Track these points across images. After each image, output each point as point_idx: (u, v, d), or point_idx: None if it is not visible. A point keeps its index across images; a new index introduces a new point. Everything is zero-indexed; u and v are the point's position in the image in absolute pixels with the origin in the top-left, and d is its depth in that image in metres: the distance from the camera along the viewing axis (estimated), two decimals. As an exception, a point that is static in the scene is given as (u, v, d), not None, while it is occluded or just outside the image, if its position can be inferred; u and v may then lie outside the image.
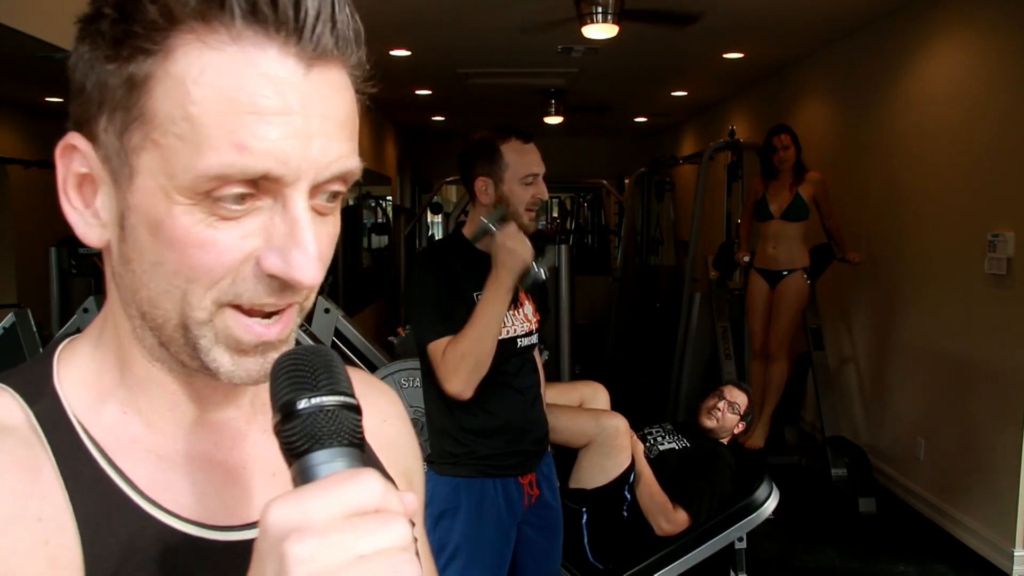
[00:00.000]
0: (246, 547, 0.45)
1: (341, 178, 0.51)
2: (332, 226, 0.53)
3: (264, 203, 0.49)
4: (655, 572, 2.53)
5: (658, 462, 2.82)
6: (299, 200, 0.48)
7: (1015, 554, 3.37)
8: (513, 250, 1.80)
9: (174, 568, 0.52)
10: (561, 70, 6.11)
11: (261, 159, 0.46)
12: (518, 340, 2.00)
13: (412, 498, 0.45)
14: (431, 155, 10.82)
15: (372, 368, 3.39)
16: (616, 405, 2.92)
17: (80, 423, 0.53)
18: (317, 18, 0.47)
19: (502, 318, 1.85)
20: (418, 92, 7.14)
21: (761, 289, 4.53)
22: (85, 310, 2.88)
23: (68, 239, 3.67)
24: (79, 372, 0.55)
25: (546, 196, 2.02)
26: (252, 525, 0.55)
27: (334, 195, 0.52)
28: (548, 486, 2.07)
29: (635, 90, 7.30)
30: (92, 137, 0.50)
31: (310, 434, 0.44)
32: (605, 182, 8.54)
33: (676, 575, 2.56)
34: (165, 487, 0.54)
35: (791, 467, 4.69)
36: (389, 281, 8.67)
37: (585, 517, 2.65)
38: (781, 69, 5.99)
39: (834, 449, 4.41)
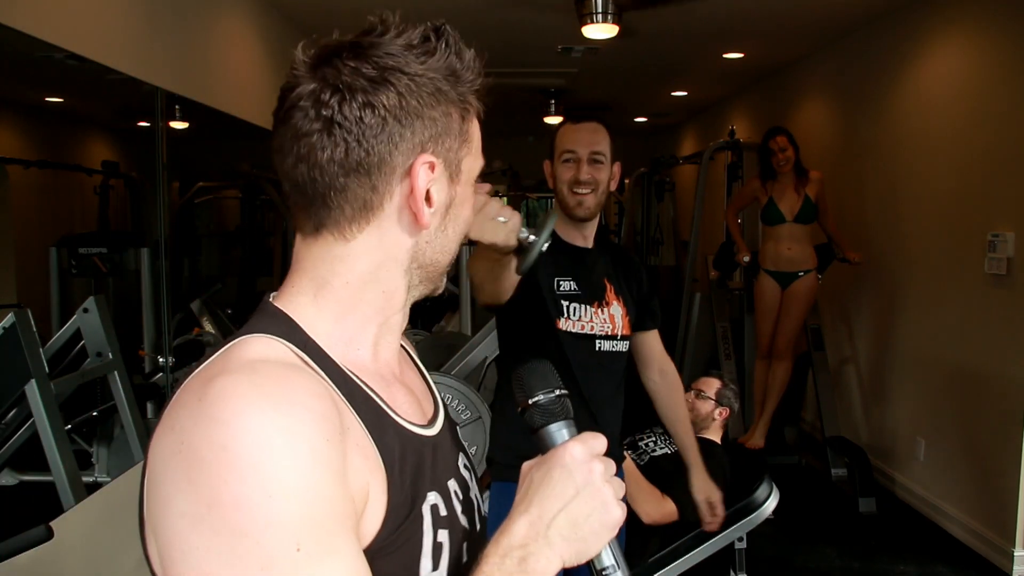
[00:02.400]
0: (440, 437, 0.81)
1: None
2: None
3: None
4: (655, 572, 2.52)
5: (650, 468, 2.80)
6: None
7: (1015, 554, 3.36)
8: (486, 215, 1.26)
9: (421, 453, 0.76)
10: (561, 70, 6.11)
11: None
12: (597, 341, 1.89)
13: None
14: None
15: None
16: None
17: (337, 360, 0.72)
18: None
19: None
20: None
21: (772, 290, 4.54)
22: (85, 310, 2.88)
23: (68, 239, 3.67)
24: (317, 326, 0.73)
25: (586, 177, 1.88)
26: (430, 424, 0.81)
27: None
28: None
29: (635, 90, 7.30)
30: (435, 153, 0.74)
31: (552, 412, 0.76)
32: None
33: (676, 575, 2.56)
34: (392, 400, 0.76)
35: (791, 467, 4.69)
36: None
37: None
38: (781, 69, 5.99)
39: (834, 449, 4.41)
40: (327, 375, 0.69)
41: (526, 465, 0.76)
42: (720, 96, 7.47)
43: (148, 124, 3.27)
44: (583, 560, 0.71)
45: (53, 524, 1.83)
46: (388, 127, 0.70)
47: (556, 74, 6.25)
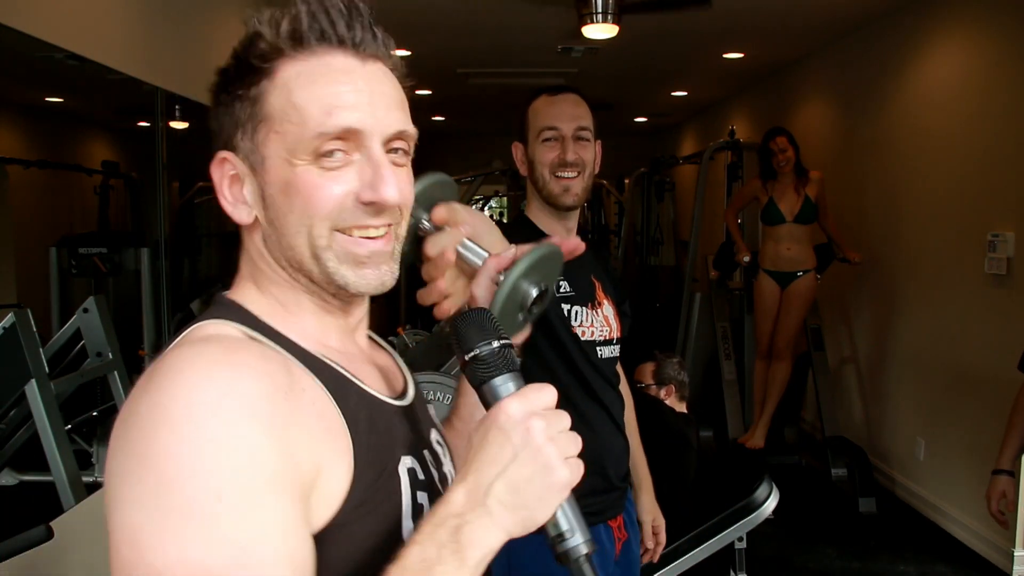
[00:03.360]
0: (411, 409, 0.81)
1: (400, 135, 0.74)
2: (407, 173, 0.77)
3: (354, 158, 0.72)
4: (655, 572, 2.52)
5: None
6: (376, 147, 0.72)
7: (1015, 554, 3.36)
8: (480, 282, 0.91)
9: (391, 420, 0.77)
10: (561, 70, 6.11)
11: (345, 118, 0.70)
12: (598, 347, 1.64)
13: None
14: (431, 155, 10.82)
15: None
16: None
17: (294, 339, 0.73)
18: (361, 32, 0.73)
19: None
20: (418, 92, 7.13)
21: (772, 290, 4.54)
22: (85, 310, 2.88)
23: (68, 239, 3.67)
24: (265, 309, 0.75)
25: (573, 157, 1.58)
26: (400, 397, 0.82)
27: (402, 152, 0.75)
28: (631, 524, 1.76)
29: (635, 90, 7.30)
30: (234, 149, 0.74)
31: (493, 365, 0.69)
32: (605, 182, 8.53)
33: (676, 575, 2.56)
34: (357, 372, 0.76)
35: (791, 467, 4.69)
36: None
37: None
38: (781, 69, 5.99)
39: (834, 449, 4.41)
40: (283, 348, 0.71)
41: (471, 428, 0.70)
42: (720, 96, 7.47)
43: (148, 124, 3.27)
44: (532, 528, 0.65)
45: (53, 524, 1.84)
46: (214, 133, 0.77)
47: (556, 74, 6.24)
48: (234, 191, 0.75)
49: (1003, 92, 3.48)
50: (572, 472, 0.65)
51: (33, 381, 2.38)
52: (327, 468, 0.66)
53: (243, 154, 0.74)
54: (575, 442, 0.67)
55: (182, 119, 3.58)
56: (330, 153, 0.71)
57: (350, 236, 0.73)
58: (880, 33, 4.52)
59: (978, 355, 3.64)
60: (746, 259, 4.69)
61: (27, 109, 3.68)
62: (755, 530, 2.70)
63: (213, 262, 5.15)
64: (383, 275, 0.75)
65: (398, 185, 0.73)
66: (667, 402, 3.02)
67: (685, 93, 7.37)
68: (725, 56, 5.63)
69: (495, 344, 0.70)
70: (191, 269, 4.77)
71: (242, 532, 0.58)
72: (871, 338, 4.69)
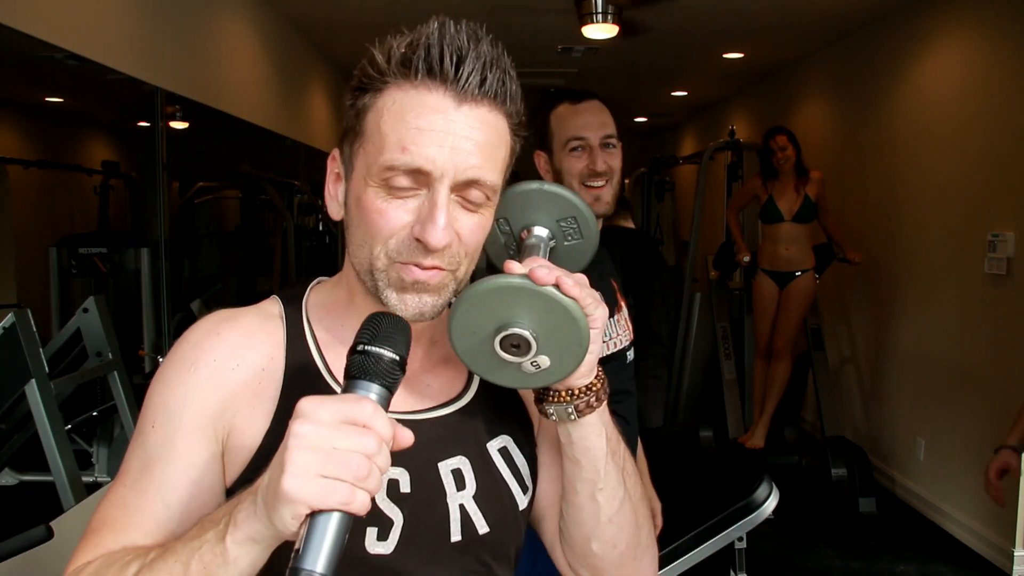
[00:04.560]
0: (425, 424, 0.80)
1: (475, 182, 0.74)
2: (480, 219, 0.77)
3: (421, 193, 0.74)
4: (655, 572, 2.52)
5: None
6: (442, 190, 0.73)
7: (1015, 554, 3.36)
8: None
9: None
10: (561, 70, 6.11)
11: (415, 158, 0.72)
12: (627, 354, 1.63)
13: (408, 433, 0.65)
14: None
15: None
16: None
17: (310, 324, 0.83)
18: (470, 73, 0.72)
19: None
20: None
21: (770, 290, 4.54)
22: (85, 310, 2.88)
23: (68, 239, 3.67)
24: (319, 297, 0.86)
25: (602, 167, 1.57)
26: (420, 412, 0.82)
27: (479, 195, 0.75)
28: None
29: (635, 90, 7.30)
30: (341, 150, 0.80)
31: (363, 367, 0.66)
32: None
33: (676, 575, 2.56)
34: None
35: (791, 467, 4.68)
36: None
37: None
38: (781, 69, 5.99)
39: (834, 449, 4.41)
40: (288, 331, 0.82)
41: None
42: (720, 96, 7.47)
43: (148, 124, 3.27)
44: (284, 530, 0.61)
45: (53, 524, 1.83)
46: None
47: (556, 74, 6.25)
48: (334, 187, 0.81)
49: (1003, 92, 3.48)
50: (307, 488, 0.59)
51: (33, 381, 2.38)
52: (236, 439, 0.77)
53: (344, 157, 0.79)
54: (356, 467, 0.60)
55: (182, 119, 3.58)
56: (400, 183, 0.73)
57: (404, 265, 0.75)
58: (880, 33, 4.52)
59: (978, 355, 3.64)
60: (746, 259, 4.69)
61: (27, 109, 3.68)
62: (755, 530, 2.70)
63: (213, 262, 5.15)
64: (423, 305, 0.76)
65: (449, 229, 0.73)
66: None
67: (685, 93, 7.37)
68: (725, 56, 5.63)
69: (390, 355, 0.67)
70: (191, 269, 4.77)
71: (154, 449, 0.77)
72: (871, 338, 4.69)
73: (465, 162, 0.73)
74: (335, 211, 0.81)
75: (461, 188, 0.74)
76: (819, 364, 4.71)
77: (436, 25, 0.74)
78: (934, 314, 4.01)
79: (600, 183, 1.58)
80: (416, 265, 0.74)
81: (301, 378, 0.79)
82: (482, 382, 0.86)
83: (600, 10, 3.93)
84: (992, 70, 3.58)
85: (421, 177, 0.72)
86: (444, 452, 0.82)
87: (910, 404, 4.25)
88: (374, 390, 0.65)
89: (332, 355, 0.82)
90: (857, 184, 4.81)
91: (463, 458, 0.82)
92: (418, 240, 0.73)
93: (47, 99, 3.69)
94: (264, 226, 5.64)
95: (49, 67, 2.77)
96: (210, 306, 4.22)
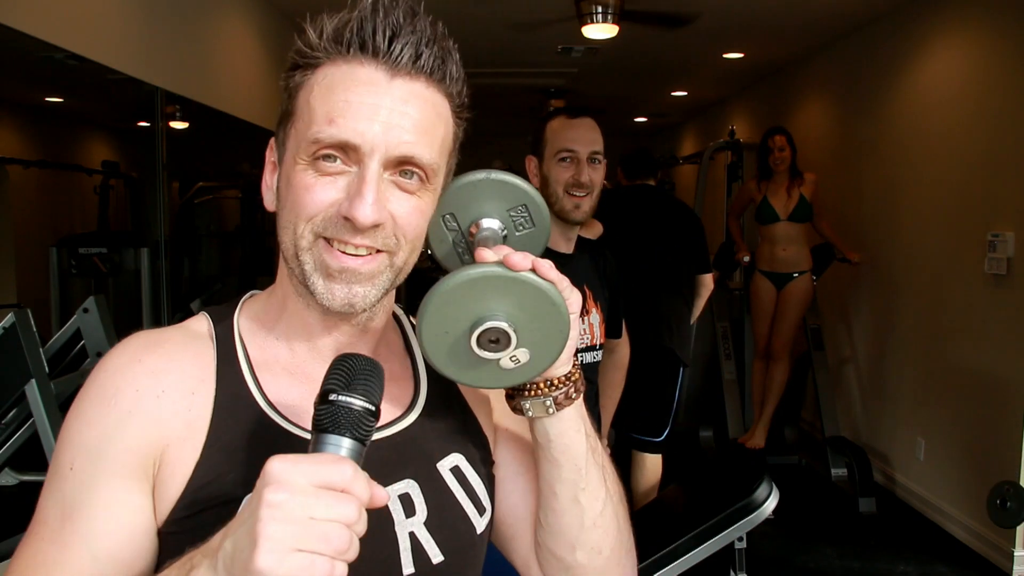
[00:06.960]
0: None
1: (409, 159, 0.70)
2: (417, 202, 0.73)
3: (351, 170, 0.70)
4: (655, 572, 2.52)
5: None
6: (373, 166, 0.69)
7: (1015, 554, 3.36)
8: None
9: (265, 446, 0.69)
10: (561, 70, 6.11)
11: (342, 131, 0.68)
12: (578, 354, 1.68)
13: (383, 492, 0.59)
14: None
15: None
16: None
17: (242, 342, 0.77)
18: (403, 46, 0.69)
19: None
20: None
21: (768, 291, 4.54)
22: (85, 310, 2.87)
23: (68, 239, 3.67)
24: (252, 311, 0.80)
25: (586, 179, 1.74)
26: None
27: (413, 176, 0.71)
28: None
29: (635, 90, 7.30)
30: (277, 137, 0.76)
31: (334, 419, 0.60)
32: (606, 182, 8.52)
33: (676, 575, 2.56)
34: (284, 393, 0.75)
35: (791, 467, 4.69)
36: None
37: None
38: (781, 69, 5.99)
39: (834, 449, 4.41)
40: (218, 351, 0.75)
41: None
42: (720, 96, 7.47)
43: (148, 124, 3.27)
44: None
45: (53, 524, 1.83)
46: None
47: (556, 74, 6.25)
48: (271, 177, 0.77)
49: (1003, 92, 3.48)
50: (284, 566, 0.53)
51: (33, 381, 2.37)
52: (166, 469, 0.70)
53: (279, 142, 0.76)
54: (336, 540, 0.54)
55: (182, 119, 3.58)
56: (329, 158, 0.69)
57: (329, 246, 0.71)
58: (880, 33, 4.52)
59: (978, 354, 3.64)
60: (746, 259, 4.69)
61: (27, 109, 3.68)
62: (755, 530, 2.70)
63: (213, 262, 5.15)
64: (352, 296, 0.71)
65: (380, 206, 0.69)
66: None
67: (685, 93, 7.37)
68: (725, 56, 5.63)
69: (364, 406, 0.60)
70: (191, 269, 4.77)
71: (75, 494, 0.69)
72: (871, 338, 4.69)
73: (398, 137, 0.69)
74: (269, 201, 0.77)
75: (394, 165, 0.70)
76: (819, 364, 4.71)
77: (371, 1, 0.70)
78: (934, 314, 4.01)
79: (582, 193, 1.76)
80: (343, 244, 0.70)
81: (233, 406, 0.72)
82: (428, 398, 0.82)
83: (600, 10, 3.93)
84: (991, 70, 3.58)
85: (351, 153, 0.69)
86: (390, 476, 0.75)
87: (910, 404, 4.25)
88: (345, 445, 0.59)
89: (267, 376, 0.75)
90: (857, 184, 4.81)
91: (411, 481, 0.76)
92: (346, 218, 0.69)
93: (47, 99, 3.68)
94: (264, 226, 5.64)
95: (49, 67, 2.77)
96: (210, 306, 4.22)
